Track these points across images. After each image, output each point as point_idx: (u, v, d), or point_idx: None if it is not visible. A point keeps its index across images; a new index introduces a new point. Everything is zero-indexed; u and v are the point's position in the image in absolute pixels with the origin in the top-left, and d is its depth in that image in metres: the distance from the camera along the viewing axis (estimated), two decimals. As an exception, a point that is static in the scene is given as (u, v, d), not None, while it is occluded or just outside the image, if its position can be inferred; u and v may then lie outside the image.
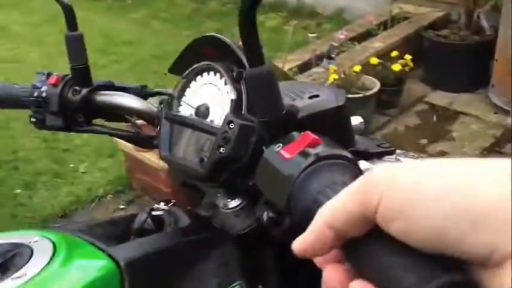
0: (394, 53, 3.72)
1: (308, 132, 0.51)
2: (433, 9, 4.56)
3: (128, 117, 0.96)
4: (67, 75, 0.94)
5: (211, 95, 0.80)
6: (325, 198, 0.44)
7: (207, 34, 0.81)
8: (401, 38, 4.13)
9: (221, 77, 0.78)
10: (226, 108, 0.76)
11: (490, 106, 3.70)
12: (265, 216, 0.51)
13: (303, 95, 0.58)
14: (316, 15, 5.58)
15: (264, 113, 0.54)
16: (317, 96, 0.57)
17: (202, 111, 0.79)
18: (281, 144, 0.52)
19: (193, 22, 5.98)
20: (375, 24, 4.35)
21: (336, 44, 3.70)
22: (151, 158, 2.88)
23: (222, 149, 0.72)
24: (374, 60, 3.62)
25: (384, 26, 4.36)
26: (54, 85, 0.92)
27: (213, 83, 0.80)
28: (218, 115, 0.77)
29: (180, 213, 0.78)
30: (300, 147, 0.49)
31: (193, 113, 0.81)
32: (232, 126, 0.72)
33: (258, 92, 0.53)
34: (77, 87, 0.91)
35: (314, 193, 0.46)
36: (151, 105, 0.94)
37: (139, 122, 0.98)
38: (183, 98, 0.84)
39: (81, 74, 0.91)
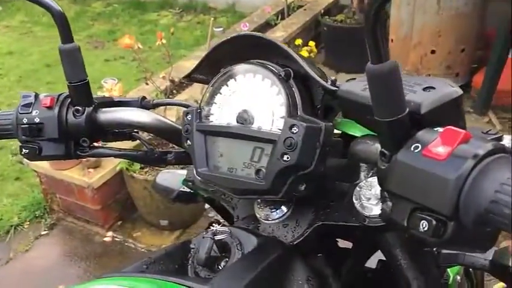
0: (298, 41, 3.81)
1: (451, 127, 0.48)
2: (324, -5, 4.75)
3: (135, 134, 0.86)
4: (61, 94, 0.81)
5: (252, 100, 0.73)
6: (506, 195, 0.42)
7: (236, 34, 0.74)
8: (300, 26, 4.24)
9: (263, 78, 0.72)
10: (277, 111, 0.70)
11: (391, 83, 3.94)
12: (423, 225, 0.47)
13: (414, 87, 0.55)
14: (209, 10, 5.53)
15: (388, 113, 0.50)
16: (432, 88, 0.55)
17: (245, 118, 0.73)
18: (419, 145, 0.49)
19: (80, 25, 5.61)
20: (272, 14, 4.42)
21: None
22: (73, 175, 2.65)
23: (286, 156, 0.67)
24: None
25: (281, 15, 4.45)
26: (49, 107, 0.79)
27: (253, 86, 0.73)
28: (266, 120, 0.71)
29: (239, 233, 0.71)
30: (452, 145, 0.47)
31: (231, 121, 0.74)
32: (295, 131, 0.67)
33: (382, 91, 0.49)
34: (79, 107, 0.79)
35: (490, 193, 0.43)
36: (162, 117, 0.84)
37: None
38: (215, 106, 0.77)
39: (81, 91, 0.79)
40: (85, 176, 2.63)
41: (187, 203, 1.11)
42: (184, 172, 1.05)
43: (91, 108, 0.80)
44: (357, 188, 0.76)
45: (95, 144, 0.84)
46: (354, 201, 0.75)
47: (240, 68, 0.75)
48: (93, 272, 2.58)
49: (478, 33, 3.64)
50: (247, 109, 0.74)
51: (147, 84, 2.81)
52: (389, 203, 0.62)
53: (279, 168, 0.68)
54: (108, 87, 2.59)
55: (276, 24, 4.32)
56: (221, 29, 3.97)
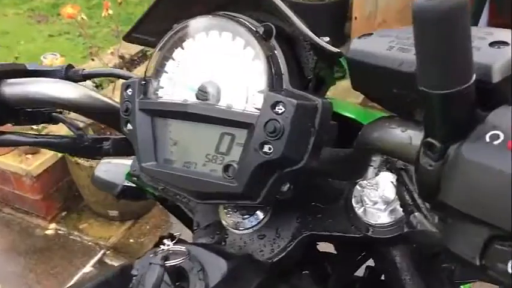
0: (259, 17, 3.59)
1: None
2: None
3: (57, 115, 0.64)
4: None
5: (218, 68, 0.52)
6: None
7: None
8: (260, 2, 4.02)
9: (234, 37, 0.52)
10: (253, 84, 0.50)
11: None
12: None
13: (475, 42, 0.36)
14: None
15: (444, 80, 0.30)
16: (504, 43, 0.35)
17: (209, 93, 0.52)
18: (499, 133, 0.30)
19: (21, -2, 5.17)
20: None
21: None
22: (9, 162, 2.37)
23: (267, 147, 0.47)
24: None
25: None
26: None
27: (220, 48, 0.52)
28: (238, 96, 0.51)
29: (201, 254, 0.51)
30: None
31: (189, 97, 0.54)
32: (281, 110, 0.47)
33: (437, 44, 0.30)
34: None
35: None
36: (95, 92, 0.62)
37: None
38: (165, 77, 0.56)
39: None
40: (22, 162, 2.35)
41: (135, 199, 0.90)
42: (129, 162, 0.84)
43: (-11, 78, 0.57)
44: (357, 187, 0.57)
45: (1, 129, 0.61)
46: (354, 204, 0.57)
47: (200, 22, 0.54)
48: (34, 269, 2.32)
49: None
50: (211, 80, 0.53)
51: (93, 60, 2.53)
52: (418, 214, 0.44)
53: (256, 164, 0.48)
54: (47, 63, 2.30)
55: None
56: None
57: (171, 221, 2.46)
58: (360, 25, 3.67)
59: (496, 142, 0.30)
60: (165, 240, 0.55)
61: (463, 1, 0.29)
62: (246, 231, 0.60)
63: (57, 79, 0.62)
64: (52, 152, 2.36)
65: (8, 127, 0.63)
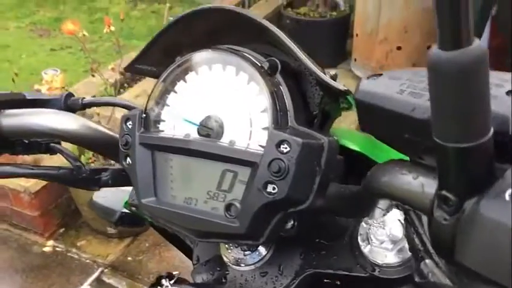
0: (260, 34, 3.60)
1: None
2: (285, -14, 4.55)
3: (55, 146, 0.62)
4: None
5: (221, 102, 0.51)
6: None
7: (200, 8, 0.52)
8: (262, 18, 4.03)
9: (238, 71, 0.50)
10: (257, 120, 0.49)
11: (354, 80, 3.79)
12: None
13: (492, 89, 0.34)
14: (164, -2, 5.22)
15: (461, 133, 0.29)
16: (521, 91, 0.34)
17: (211, 128, 0.51)
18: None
19: (23, 11, 5.19)
20: (233, 4, 4.19)
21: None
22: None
23: (271, 187, 0.45)
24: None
25: (242, 6, 4.22)
26: None
27: (223, 82, 0.51)
28: (241, 132, 0.50)
29: None
30: None
31: (191, 132, 0.52)
32: (286, 149, 0.45)
33: (455, 96, 0.28)
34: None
35: None
36: (95, 123, 0.61)
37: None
38: (167, 110, 0.54)
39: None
40: (21, 178, 2.32)
41: (133, 226, 0.89)
42: (128, 189, 0.82)
43: (-13, 109, 0.56)
44: (363, 225, 0.56)
45: (-2, 160, 0.60)
46: (360, 242, 0.55)
47: (203, 56, 0.52)
48: (31, 287, 2.29)
49: (444, 30, 3.53)
50: (214, 115, 0.51)
51: (93, 76, 2.52)
52: (429, 262, 0.42)
53: (260, 204, 0.46)
54: (48, 78, 2.29)
55: (235, 16, 4.09)
56: (177, 18, 3.72)
57: (170, 239, 2.44)
58: (361, 42, 3.67)
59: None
60: (163, 281, 0.53)
61: (483, 52, 0.28)
62: (247, 268, 0.58)
63: (56, 110, 0.61)
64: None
65: (3, 157, 0.61)
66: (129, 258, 2.39)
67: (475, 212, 0.30)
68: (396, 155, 0.61)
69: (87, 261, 2.40)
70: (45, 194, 2.41)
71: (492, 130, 0.30)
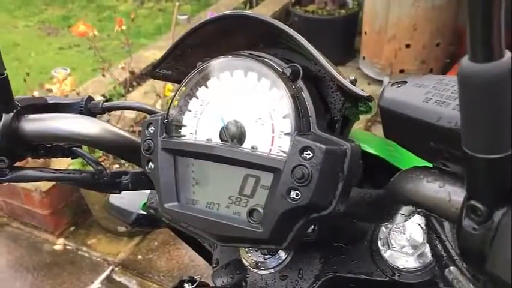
0: (268, 32, 3.59)
1: None
2: (293, -15, 4.54)
3: (77, 150, 0.63)
4: None
5: (243, 108, 0.51)
6: None
7: (222, 14, 0.52)
8: (270, 16, 4.02)
9: (259, 77, 0.51)
10: (279, 126, 0.49)
11: (363, 77, 3.79)
12: None
13: None
14: (172, -4, 5.23)
15: (490, 144, 0.29)
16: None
17: (233, 133, 0.51)
18: None
19: (32, 10, 5.21)
20: (241, 2, 4.19)
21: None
22: (19, 176, 2.36)
23: (295, 193, 0.46)
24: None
25: (250, 4, 4.22)
26: None
27: (245, 88, 0.51)
28: (263, 138, 0.50)
29: None
30: None
31: (213, 137, 0.53)
32: (309, 155, 0.45)
33: (485, 108, 0.29)
34: (-9, 113, 0.55)
35: None
36: (115, 127, 0.61)
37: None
38: (188, 115, 0.55)
39: (-5, 90, 0.55)
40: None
41: (150, 228, 0.89)
42: (145, 191, 0.83)
43: (11, 114, 0.56)
44: (383, 229, 0.56)
45: (19, 163, 0.61)
46: (380, 247, 0.55)
47: (225, 62, 0.53)
48: (42, 285, 2.31)
49: (453, 27, 3.52)
50: (236, 120, 0.52)
51: (103, 76, 2.53)
52: (454, 269, 0.42)
53: (283, 210, 0.47)
54: (59, 77, 2.31)
55: (243, 14, 4.09)
56: (186, 16, 3.73)
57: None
58: (370, 40, 3.66)
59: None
60: (185, 285, 0.54)
61: (510, 65, 0.28)
62: (267, 272, 0.59)
63: (77, 114, 0.61)
64: (63, 167, 2.35)
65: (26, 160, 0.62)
66: (139, 257, 2.41)
67: (505, 223, 0.30)
68: (418, 160, 0.61)
69: (98, 259, 2.42)
70: (56, 193, 2.43)
71: None
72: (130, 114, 2.47)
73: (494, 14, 0.26)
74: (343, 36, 3.99)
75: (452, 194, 0.36)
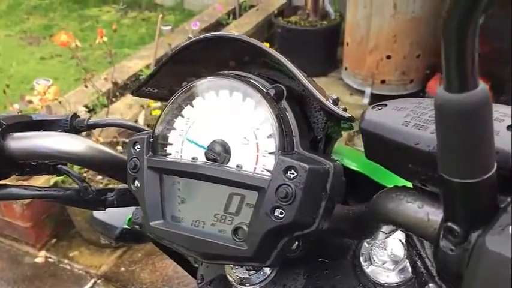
0: (252, 42, 3.61)
1: None
2: (275, -5, 4.59)
3: (62, 167, 0.63)
4: None
5: (228, 127, 0.52)
6: None
7: (206, 35, 0.53)
8: (253, 27, 4.07)
9: (244, 97, 0.52)
10: (263, 145, 0.50)
11: (345, 88, 3.83)
12: None
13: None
14: (155, 6, 5.23)
15: (466, 170, 0.31)
16: (523, 126, 0.36)
17: (218, 152, 0.52)
18: None
19: (13, 19, 5.17)
20: (224, 13, 4.21)
21: (192, 36, 3.44)
22: (-1, 188, 2.33)
23: (279, 211, 0.47)
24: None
25: (233, 15, 4.25)
26: None
27: (230, 108, 0.52)
28: (247, 157, 0.51)
29: None
30: None
31: (198, 156, 0.53)
32: (293, 175, 0.47)
33: (460, 135, 0.30)
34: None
35: None
36: (100, 145, 0.62)
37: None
38: (174, 134, 0.55)
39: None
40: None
41: (135, 243, 0.89)
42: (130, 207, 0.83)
43: (-4, 132, 0.57)
44: (365, 245, 0.57)
45: (3, 181, 0.61)
46: (362, 262, 0.56)
47: (210, 82, 0.54)
48: (22, 298, 2.28)
49: (433, 39, 3.58)
50: (221, 139, 0.53)
51: (86, 86, 2.52)
52: (433, 286, 0.43)
53: (268, 228, 0.48)
54: (40, 89, 2.29)
55: (227, 24, 4.12)
56: (169, 27, 3.73)
57: (163, 249, 2.43)
58: (352, 50, 3.71)
59: (512, 233, 0.30)
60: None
61: (487, 95, 0.29)
62: (252, 288, 0.59)
63: (62, 132, 0.62)
64: (44, 178, 2.33)
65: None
66: (122, 269, 2.39)
67: (480, 245, 0.31)
68: (398, 179, 0.63)
69: (80, 272, 2.39)
70: (38, 205, 2.40)
71: (496, 166, 0.32)
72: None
73: (468, 48, 0.28)
74: (326, 47, 4.04)
75: (431, 215, 0.37)
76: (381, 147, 0.41)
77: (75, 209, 2.37)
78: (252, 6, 4.42)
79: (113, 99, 2.91)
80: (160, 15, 2.58)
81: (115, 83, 2.65)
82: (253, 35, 3.89)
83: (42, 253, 2.49)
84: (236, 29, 3.96)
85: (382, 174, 0.63)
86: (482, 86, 0.29)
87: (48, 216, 2.49)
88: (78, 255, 2.47)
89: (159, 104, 2.63)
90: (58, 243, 2.54)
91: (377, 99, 3.66)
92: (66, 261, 2.45)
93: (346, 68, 3.82)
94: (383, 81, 3.60)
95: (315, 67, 4.03)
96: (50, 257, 2.47)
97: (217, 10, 4.20)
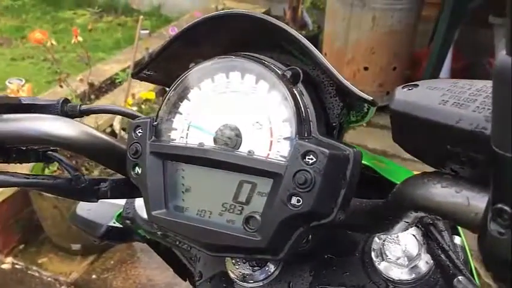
0: (230, 50, 3.60)
1: None
2: (253, 5, 4.59)
3: (52, 154, 0.59)
4: None
5: (239, 110, 0.49)
6: None
7: (220, 12, 0.50)
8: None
9: (257, 80, 0.49)
10: (278, 129, 0.47)
11: (322, 98, 3.84)
12: None
13: None
14: (132, 11, 5.17)
15: None
16: None
17: (228, 136, 0.49)
18: None
19: (-18, 19, 5.02)
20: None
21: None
22: (-35, 190, 2.23)
23: (296, 199, 0.44)
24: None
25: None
26: None
27: (241, 91, 0.49)
28: (260, 142, 0.48)
29: None
30: None
31: (205, 141, 0.50)
32: (312, 160, 0.44)
33: None
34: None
35: None
36: (95, 130, 0.58)
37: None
38: (179, 118, 0.52)
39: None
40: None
41: (120, 241, 0.84)
42: (118, 202, 0.79)
43: (-18, 113, 0.52)
44: (376, 240, 0.55)
45: (-11, 167, 0.56)
46: (374, 258, 0.54)
47: (220, 63, 0.51)
48: (-13, 306, 2.17)
49: (409, 52, 3.64)
50: (231, 124, 0.50)
51: (61, 86, 2.45)
52: (463, 278, 0.41)
53: (283, 217, 0.45)
54: (13, 88, 2.21)
55: (205, 31, 4.09)
56: (147, 31, 3.67)
57: (137, 256, 2.36)
58: (330, 61, 3.58)
59: None
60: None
61: None
62: (255, 285, 0.56)
63: (54, 115, 0.57)
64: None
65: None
66: (94, 276, 2.30)
67: None
68: (406, 171, 0.60)
69: (49, 279, 2.30)
70: (5, 209, 2.30)
71: None
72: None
73: None
74: (303, 57, 4.05)
75: (471, 199, 0.35)
76: (414, 129, 0.39)
77: (46, 212, 2.29)
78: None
79: (88, 101, 2.83)
80: (141, 17, 2.53)
81: (91, 84, 2.58)
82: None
83: (9, 259, 2.38)
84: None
85: (393, 173, 0.60)
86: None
87: (16, 220, 2.39)
88: (48, 262, 2.37)
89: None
90: (26, 249, 2.43)
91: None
92: (34, 267, 2.34)
93: (323, 79, 3.83)
94: (360, 92, 3.62)
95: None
96: (17, 264, 2.37)
97: (195, 17, 4.17)
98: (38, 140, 0.54)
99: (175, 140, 0.52)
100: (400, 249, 0.53)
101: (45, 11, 5.24)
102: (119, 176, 0.60)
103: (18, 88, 2.19)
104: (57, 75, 2.55)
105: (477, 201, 0.34)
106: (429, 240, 0.50)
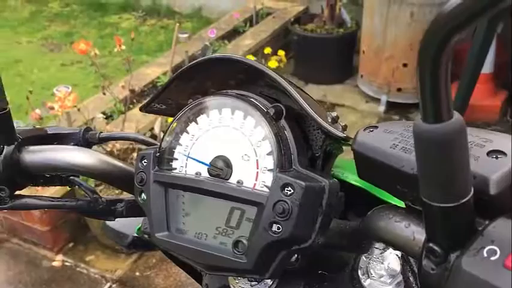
0: (267, 50, 3.65)
1: None
2: (292, 4, 4.61)
3: (74, 179, 0.66)
4: None
5: (230, 144, 0.55)
6: None
7: (210, 56, 0.56)
8: (269, 34, 4.09)
9: (245, 116, 0.54)
10: (263, 162, 0.52)
11: (361, 96, 3.84)
12: None
13: (473, 150, 0.38)
14: (173, 14, 5.31)
15: (444, 195, 0.33)
16: (501, 152, 0.37)
17: (220, 168, 0.54)
18: (496, 250, 0.32)
19: (35, 26, 5.29)
20: (241, 21, 4.25)
21: (209, 44, 3.49)
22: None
23: (276, 226, 0.49)
24: (250, 58, 3.51)
25: (250, 22, 4.28)
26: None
27: (232, 125, 0.55)
28: (248, 173, 0.53)
29: None
30: None
31: (202, 171, 0.56)
32: (290, 192, 0.49)
33: (437, 163, 0.32)
34: (-6, 146, 0.59)
35: None
36: (110, 157, 0.65)
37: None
38: (179, 149, 0.58)
39: (-1, 124, 0.59)
40: (32, 193, 2.37)
41: (145, 250, 0.92)
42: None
43: (12, 146, 0.60)
44: (363, 259, 0.59)
45: (18, 192, 0.64)
46: (360, 275, 0.58)
47: (214, 100, 0.56)
48: (40, 301, 2.33)
49: (450, 47, 3.56)
50: (223, 156, 0.55)
51: (104, 94, 2.58)
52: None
53: (266, 242, 0.50)
54: (60, 96, 2.34)
55: (244, 32, 4.15)
56: (186, 34, 3.78)
57: (177, 255, 2.46)
58: (368, 59, 3.71)
59: (492, 258, 0.32)
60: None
61: (462, 125, 0.31)
62: (251, 299, 0.61)
63: (75, 146, 0.65)
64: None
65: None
66: (137, 274, 2.43)
67: (457, 265, 0.33)
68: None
69: (96, 276, 2.44)
70: (55, 210, 2.45)
71: (472, 191, 0.33)
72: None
73: (441, 82, 0.30)
74: (342, 55, 4.05)
75: (416, 234, 0.39)
76: (372, 168, 0.43)
77: (92, 214, 2.42)
78: (269, 14, 4.45)
79: (130, 106, 2.96)
80: (178, 23, 2.61)
81: (132, 91, 2.70)
82: (268, 43, 3.93)
83: (60, 257, 2.54)
84: (252, 37, 3.99)
85: (381, 191, 0.64)
86: (457, 116, 0.31)
87: (65, 221, 2.55)
88: (95, 260, 2.52)
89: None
90: (75, 248, 2.59)
91: (393, 107, 3.66)
92: (82, 265, 2.49)
93: (362, 76, 3.82)
94: (399, 89, 3.59)
95: (331, 74, 4.05)
96: (67, 261, 2.52)
97: (234, 18, 4.24)
98: (60, 169, 0.62)
99: (175, 169, 0.58)
100: (383, 268, 0.56)
101: (92, 16, 5.46)
102: (133, 197, 0.67)
103: (64, 96, 2.33)
104: (103, 80, 2.69)
105: (421, 235, 0.39)
106: (404, 263, 0.53)
